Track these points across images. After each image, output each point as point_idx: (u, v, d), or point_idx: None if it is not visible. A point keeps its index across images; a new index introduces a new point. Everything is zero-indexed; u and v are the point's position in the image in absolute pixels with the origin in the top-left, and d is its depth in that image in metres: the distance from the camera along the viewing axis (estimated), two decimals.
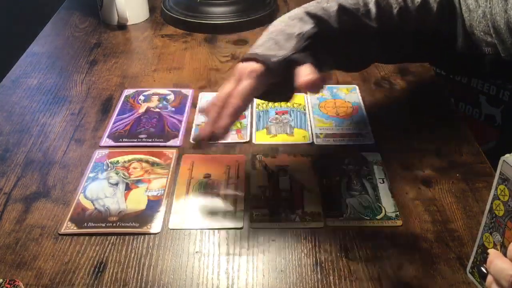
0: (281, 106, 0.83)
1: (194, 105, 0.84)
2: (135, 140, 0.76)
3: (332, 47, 0.62)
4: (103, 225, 0.61)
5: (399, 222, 0.62)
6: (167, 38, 1.05)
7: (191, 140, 0.76)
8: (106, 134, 0.77)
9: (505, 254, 0.44)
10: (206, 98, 0.85)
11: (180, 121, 0.80)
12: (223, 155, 0.73)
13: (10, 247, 0.59)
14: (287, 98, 0.67)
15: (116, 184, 0.68)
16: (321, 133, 0.77)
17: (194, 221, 0.62)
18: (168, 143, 0.75)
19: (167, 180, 0.68)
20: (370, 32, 0.65)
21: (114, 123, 0.79)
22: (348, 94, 0.86)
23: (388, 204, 0.64)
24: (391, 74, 0.91)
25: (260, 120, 0.80)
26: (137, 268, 0.57)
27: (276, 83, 0.61)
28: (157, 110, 0.83)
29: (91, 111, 0.82)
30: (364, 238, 0.60)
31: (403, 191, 0.66)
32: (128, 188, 0.67)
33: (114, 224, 0.62)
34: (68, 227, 0.61)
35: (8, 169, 0.71)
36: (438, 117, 0.81)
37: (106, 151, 0.74)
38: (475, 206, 0.64)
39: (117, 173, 0.69)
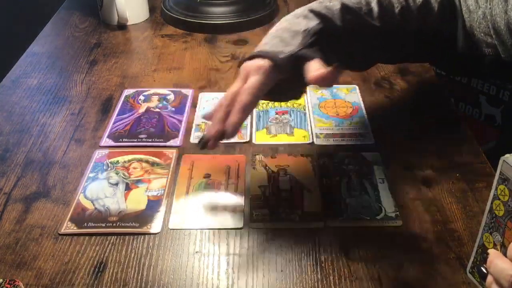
0: (281, 106, 0.83)
1: (194, 105, 0.84)
2: (135, 140, 0.76)
3: (336, 46, 0.62)
4: (103, 225, 0.61)
5: (399, 222, 0.62)
6: (167, 38, 1.05)
7: (191, 141, 0.76)
8: (106, 134, 0.77)
9: (505, 254, 0.44)
10: (206, 98, 0.85)
11: (180, 121, 0.80)
12: (223, 155, 0.73)
13: (10, 247, 0.59)
14: (296, 95, 0.66)
15: (116, 184, 0.68)
16: (321, 133, 0.77)
17: (194, 221, 0.62)
18: (168, 143, 0.75)
19: (167, 180, 0.68)
20: (373, 31, 0.64)
21: (114, 123, 0.79)
22: (348, 94, 0.86)
23: (388, 204, 0.64)
24: (391, 74, 0.91)
25: (260, 120, 0.80)
26: (137, 268, 0.57)
27: (284, 80, 0.60)
28: (157, 110, 0.83)
29: (91, 111, 0.83)
30: (364, 238, 0.60)
31: (403, 191, 0.66)
32: (128, 188, 0.67)
33: (114, 224, 0.62)
34: (68, 227, 0.61)
35: (8, 169, 0.71)
36: (438, 117, 0.81)
37: (106, 151, 0.74)
38: (475, 206, 0.64)
39: (117, 173, 0.69)
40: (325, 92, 0.87)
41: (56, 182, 0.68)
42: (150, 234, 0.61)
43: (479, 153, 0.73)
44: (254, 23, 1.08)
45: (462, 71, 0.94)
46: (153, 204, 0.64)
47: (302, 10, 0.63)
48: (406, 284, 0.55)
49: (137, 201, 0.65)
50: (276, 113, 0.82)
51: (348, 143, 0.75)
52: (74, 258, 0.58)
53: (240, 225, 0.62)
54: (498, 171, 0.45)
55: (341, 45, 0.63)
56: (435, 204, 0.64)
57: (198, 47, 1.02)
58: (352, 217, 0.63)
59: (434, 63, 0.91)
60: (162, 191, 0.67)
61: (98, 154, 0.73)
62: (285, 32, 0.60)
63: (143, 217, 0.63)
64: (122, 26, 1.09)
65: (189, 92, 0.87)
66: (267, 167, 0.70)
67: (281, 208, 0.64)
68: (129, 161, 0.72)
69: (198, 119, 0.80)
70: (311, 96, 0.86)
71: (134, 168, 0.70)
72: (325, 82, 0.55)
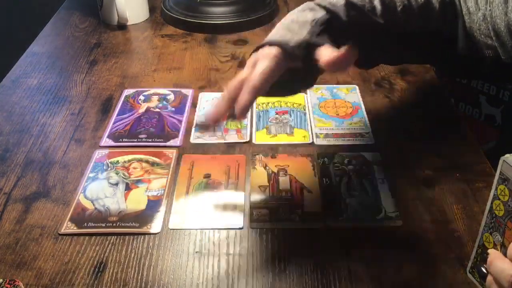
0: (281, 106, 0.83)
1: (194, 105, 0.84)
2: (135, 140, 0.76)
3: (342, 40, 0.62)
4: (103, 225, 0.61)
5: (399, 222, 0.62)
6: (167, 38, 1.05)
7: (191, 141, 0.75)
8: (106, 134, 0.77)
9: (505, 254, 0.44)
10: (206, 98, 0.85)
11: (180, 121, 0.80)
12: (223, 155, 0.73)
13: (10, 247, 0.59)
14: (307, 85, 0.65)
15: (116, 184, 0.68)
16: (321, 133, 0.77)
17: (194, 221, 0.62)
18: (168, 143, 0.75)
19: (167, 180, 0.68)
20: (376, 29, 0.64)
21: (114, 123, 0.79)
22: (348, 94, 0.86)
23: (388, 204, 0.64)
24: (391, 74, 0.91)
25: (260, 120, 0.80)
26: (137, 268, 0.57)
27: (293, 70, 0.59)
28: (157, 110, 0.83)
29: (91, 111, 0.83)
30: (364, 238, 0.60)
31: (403, 191, 0.66)
32: (128, 188, 0.67)
33: (114, 224, 0.62)
34: (68, 227, 0.61)
35: (8, 169, 0.71)
36: (438, 117, 0.81)
37: (106, 151, 0.74)
38: (475, 206, 0.64)
39: (117, 173, 0.69)
40: (325, 92, 0.87)
41: (56, 182, 0.68)
42: (150, 234, 0.61)
43: (479, 153, 0.73)
44: (254, 23, 1.08)
45: (462, 73, 0.94)
46: (153, 204, 0.64)
47: (307, 4, 0.63)
48: (406, 284, 0.55)
49: (137, 201, 0.65)
50: (276, 113, 0.82)
51: (348, 143, 0.75)
52: (74, 258, 0.58)
53: (240, 225, 0.62)
54: (498, 171, 0.45)
55: (346, 41, 0.63)
56: (435, 204, 0.64)
57: (198, 47, 1.02)
58: (352, 217, 0.63)
59: (434, 65, 0.91)
60: (162, 191, 0.67)
61: (98, 154, 0.73)
62: (293, 24, 0.59)
63: (143, 217, 0.63)
64: (122, 26, 1.09)
65: (189, 92, 0.87)
66: (267, 167, 0.70)
67: (281, 208, 0.64)
68: (129, 161, 0.72)
69: (198, 119, 0.80)
70: (311, 96, 0.86)
71: (134, 168, 0.70)
72: (339, 66, 0.53)
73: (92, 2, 1.12)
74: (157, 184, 0.68)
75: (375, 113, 0.82)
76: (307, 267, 0.56)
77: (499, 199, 0.45)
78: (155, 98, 0.85)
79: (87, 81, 0.91)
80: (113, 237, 0.60)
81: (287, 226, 0.62)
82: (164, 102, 0.84)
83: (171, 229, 0.61)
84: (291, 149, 0.74)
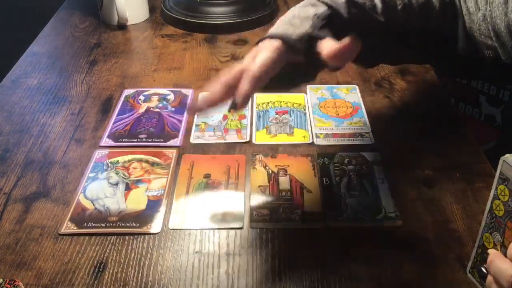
0: (281, 106, 0.83)
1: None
2: (135, 140, 0.76)
3: (342, 37, 0.61)
4: (103, 225, 0.61)
5: (399, 222, 0.62)
6: (167, 38, 1.05)
7: (191, 141, 0.75)
8: (106, 134, 0.77)
9: (505, 254, 0.44)
10: None
11: (180, 121, 0.80)
12: (223, 155, 0.73)
13: (10, 247, 0.59)
14: (307, 79, 0.64)
15: (116, 184, 0.68)
16: (321, 133, 0.77)
17: (194, 221, 0.62)
18: (168, 143, 0.75)
19: (167, 180, 0.68)
20: (377, 27, 0.64)
21: (114, 123, 0.79)
22: (348, 94, 0.86)
23: (388, 204, 0.64)
24: (391, 74, 0.91)
25: (260, 120, 0.80)
26: (137, 268, 0.57)
27: (295, 63, 0.59)
28: (157, 110, 0.83)
29: (91, 111, 0.83)
30: (364, 238, 0.60)
31: (403, 191, 0.66)
32: (128, 188, 0.67)
33: (114, 224, 0.62)
34: (68, 227, 0.61)
35: (8, 169, 0.71)
36: (438, 117, 0.81)
37: (106, 151, 0.74)
38: (475, 206, 0.64)
39: (117, 173, 0.69)
40: (325, 92, 0.87)
41: (56, 182, 0.68)
42: (150, 234, 0.61)
43: (479, 153, 0.73)
44: (254, 23, 1.08)
45: (462, 73, 0.94)
46: (153, 204, 0.64)
47: (308, 0, 0.63)
48: (406, 284, 0.55)
49: (137, 201, 0.65)
50: (276, 113, 0.82)
51: (348, 143, 0.75)
52: (74, 258, 0.58)
53: (240, 225, 0.62)
54: (498, 171, 0.45)
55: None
56: (435, 204, 0.64)
57: (198, 47, 1.01)
58: (352, 217, 0.63)
59: (434, 65, 0.91)
60: (162, 191, 0.67)
61: (98, 154, 0.73)
62: (295, 19, 0.59)
63: (143, 217, 0.63)
64: (122, 26, 1.09)
65: (189, 92, 0.87)
66: (267, 167, 0.70)
67: (281, 208, 0.64)
68: (129, 161, 0.72)
69: (198, 119, 0.80)
70: (311, 96, 0.86)
71: (134, 168, 0.70)
72: (341, 58, 0.53)
73: (92, 2, 1.12)
74: (157, 184, 0.68)
75: (375, 113, 0.82)
76: (307, 267, 0.56)
77: (499, 199, 0.45)
78: (155, 98, 0.85)
79: (87, 81, 0.91)
80: (113, 237, 0.60)
81: (287, 226, 0.62)
82: (164, 102, 0.84)
83: (171, 229, 0.61)
84: (291, 149, 0.74)
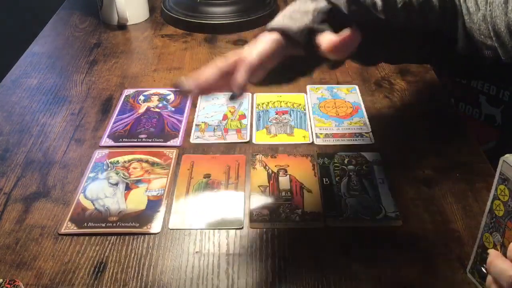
0: (281, 106, 0.83)
1: (194, 105, 0.84)
2: (135, 140, 0.76)
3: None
4: (103, 225, 0.61)
5: (399, 222, 0.62)
6: (167, 38, 1.05)
7: (191, 141, 0.75)
8: (106, 134, 0.77)
9: (505, 254, 0.44)
10: (206, 98, 0.85)
11: (180, 121, 0.80)
12: (223, 155, 0.73)
13: (10, 247, 0.59)
14: (307, 73, 0.64)
15: (116, 184, 0.68)
16: (321, 133, 0.77)
17: (194, 221, 0.62)
18: (168, 143, 0.75)
19: (167, 180, 0.68)
20: (377, 24, 0.64)
21: (114, 123, 0.79)
22: (348, 94, 0.86)
23: (388, 204, 0.64)
24: (391, 74, 0.91)
25: (260, 120, 0.80)
26: (137, 268, 0.57)
27: (294, 58, 0.58)
28: (157, 110, 0.83)
29: (91, 111, 0.83)
30: (364, 238, 0.60)
31: (403, 191, 0.66)
32: (128, 188, 0.67)
33: (114, 224, 0.62)
34: (68, 227, 0.61)
35: (8, 169, 0.71)
36: (438, 117, 0.81)
37: (106, 151, 0.74)
38: (475, 206, 0.64)
39: (117, 173, 0.69)
40: (325, 92, 0.87)
41: (56, 182, 0.68)
42: (150, 234, 0.61)
43: (479, 153, 0.73)
44: (254, 23, 1.08)
45: (462, 73, 0.94)
46: (153, 204, 0.64)
47: None
48: (406, 284, 0.55)
49: (137, 201, 0.65)
50: (276, 113, 0.82)
51: (348, 143, 0.75)
52: (74, 258, 0.58)
53: (240, 225, 0.62)
54: (498, 171, 0.45)
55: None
56: (435, 204, 0.64)
57: (198, 47, 1.01)
58: (352, 217, 0.63)
59: (434, 65, 0.91)
60: (162, 191, 0.67)
61: (98, 154, 0.73)
62: (295, 13, 0.59)
63: (143, 217, 0.63)
64: (122, 26, 1.09)
65: None
66: (267, 167, 0.70)
67: (281, 208, 0.64)
68: (129, 161, 0.72)
69: (198, 119, 0.80)
70: (311, 96, 0.86)
71: (134, 168, 0.70)
72: (340, 50, 0.52)
73: (92, 2, 1.12)
74: (157, 184, 0.68)
75: (375, 113, 0.82)
76: (307, 267, 0.56)
77: (499, 199, 0.45)
78: (155, 98, 0.85)
79: (87, 81, 0.91)
80: (113, 237, 0.60)
81: (287, 226, 0.62)
82: (164, 102, 0.84)
83: (171, 229, 0.61)
84: (291, 149, 0.74)
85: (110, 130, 0.78)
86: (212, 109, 0.83)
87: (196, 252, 0.58)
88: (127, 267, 0.57)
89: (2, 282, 0.54)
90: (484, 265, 0.46)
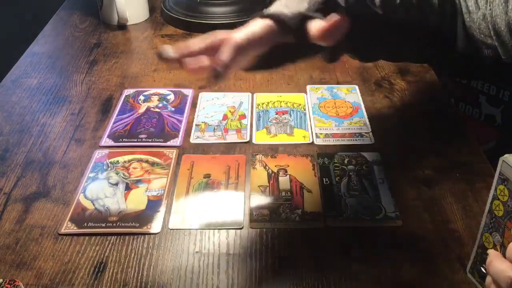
0: (281, 106, 0.83)
1: (194, 105, 0.84)
2: (135, 140, 0.76)
3: None
4: (103, 225, 0.61)
5: (399, 222, 0.62)
6: (167, 38, 1.05)
7: (191, 141, 0.75)
8: (106, 134, 0.77)
9: (504, 255, 0.44)
10: (206, 98, 0.85)
11: (180, 121, 0.80)
12: (223, 155, 0.73)
13: (10, 247, 0.59)
14: (293, 61, 0.64)
15: (116, 184, 0.68)
16: (321, 133, 0.77)
17: (194, 221, 0.62)
18: (168, 143, 0.75)
19: (167, 180, 0.68)
20: (375, 19, 0.64)
21: (114, 123, 0.79)
22: (348, 94, 0.86)
23: (388, 204, 0.64)
24: (391, 74, 0.91)
25: (260, 120, 0.80)
26: (137, 268, 0.57)
27: (283, 45, 0.58)
28: (157, 110, 0.83)
29: (91, 111, 0.83)
30: (364, 238, 0.60)
31: (403, 191, 0.66)
32: (128, 188, 0.67)
33: (114, 224, 0.62)
34: (68, 227, 0.61)
35: (8, 169, 0.71)
36: (438, 117, 0.81)
37: (106, 151, 0.74)
38: (475, 206, 0.64)
39: (117, 173, 0.69)
40: (325, 92, 0.87)
41: (56, 182, 0.68)
42: (150, 234, 0.61)
43: (479, 153, 0.73)
44: None
45: (462, 73, 0.94)
46: (153, 204, 0.64)
47: None
48: (406, 284, 0.55)
49: (137, 201, 0.65)
50: (276, 113, 0.82)
51: (348, 143, 0.75)
52: (74, 258, 0.58)
53: (240, 225, 0.62)
54: (497, 171, 0.45)
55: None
56: (435, 204, 0.64)
57: None
58: (352, 217, 0.63)
59: (434, 64, 0.90)
60: (162, 191, 0.67)
61: (98, 154, 0.73)
62: (290, 1, 0.59)
63: (143, 217, 0.63)
64: (122, 26, 1.09)
65: (189, 92, 0.87)
66: (267, 167, 0.70)
67: (281, 208, 0.64)
68: (129, 161, 0.72)
69: (198, 119, 0.80)
70: (311, 96, 0.86)
71: (134, 168, 0.70)
72: (329, 36, 0.52)
73: (92, 2, 1.12)
74: (157, 184, 0.68)
75: (375, 113, 0.82)
76: (307, 267, 0.56)
77: (498, 199, 0.45)
78: (155, 98, 0.85)
79: (87, 81, 0.91)
80: (113, 237, 0.60)
81: (287, 226, 0.62)
82: (164, 102, 0.84)
83: (171, 229, 0.61)
84: (291, 149, 0.74)
85: (110, 130, 0.78)
86: (212, 109, 0.83)
87: (196, 252, 0.58)
88: (127, 267, 0.57)
89: (2, 282, 0.54)
90: (484, 265, 0.46)
